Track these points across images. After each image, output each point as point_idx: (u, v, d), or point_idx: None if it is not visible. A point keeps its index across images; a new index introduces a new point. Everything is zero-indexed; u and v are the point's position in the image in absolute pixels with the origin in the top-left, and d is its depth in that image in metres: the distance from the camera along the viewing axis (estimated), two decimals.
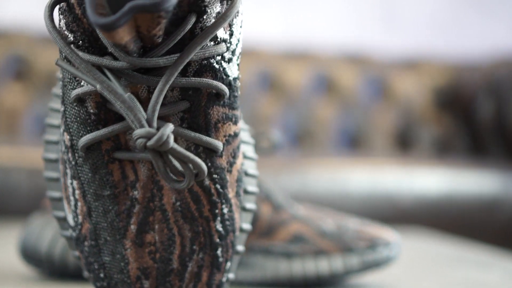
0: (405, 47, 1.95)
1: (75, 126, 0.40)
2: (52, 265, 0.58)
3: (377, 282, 0.62)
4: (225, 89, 0.39)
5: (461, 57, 1.87)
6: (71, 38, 0.39)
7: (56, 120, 0.45)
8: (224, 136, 0.41)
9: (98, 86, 0.37)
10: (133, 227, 0.40)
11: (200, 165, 0.37)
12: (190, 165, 0.37)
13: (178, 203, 0.40)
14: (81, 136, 0.40)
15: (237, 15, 0.40)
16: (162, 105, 0.39)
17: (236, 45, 0.40)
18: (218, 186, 0.41)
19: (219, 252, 0.41)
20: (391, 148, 1.71)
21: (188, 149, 0.40)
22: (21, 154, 1.17)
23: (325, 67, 1.74)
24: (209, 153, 0.40)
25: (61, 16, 0.39)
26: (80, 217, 0.41)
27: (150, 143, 0.35)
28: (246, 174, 0.43)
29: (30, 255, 0.59)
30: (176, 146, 0.36)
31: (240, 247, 0.43)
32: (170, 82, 0.37)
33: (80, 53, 0.38)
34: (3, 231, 0.93)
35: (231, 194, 0.41)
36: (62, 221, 0.43)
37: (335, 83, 1.73)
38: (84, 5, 0.38)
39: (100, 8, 0.34)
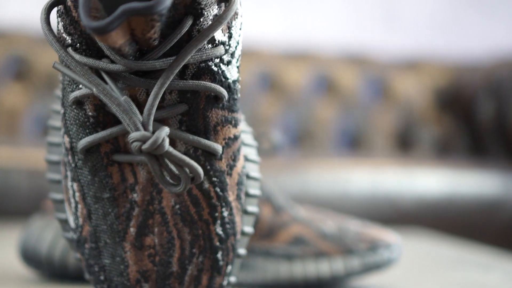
0: (405, 47, 1.94)
1: (74, 128, 0.40)
2: (52, 267, 0.58)
3: (377, 284, 0.62)
4: (224, 92, 0.39)
5: (462, 58, 1.87)
6: (69, 40, 0.38)
7: (59, 122, 0.45)
8: (224, 139, 0.40)
9: (94, 89, 0.37)
10: (132, 229, 0.40)
11: (196, 169, 0.36)
12: (187, 169, 0.37)
13: (177, 206, 0.40)
14: (80, 139, 0.40)
15: (236, 17, 0.40)
16: (161, 108, 0.39)
17: (236, 47, 0.40)
18: (217, 189, 0.40)
19: (219, 255, 0.41)
20: (392, 149, 1.71)
21: (187, 152, 0.40)
22: (21, 155, 1.17)
23: (325, 68, 1.74)
24: (208, 156, 0.40)
25: (59, 19, 0.39)
26: (80, 220, 0.41)
27: (145, 146, 0.35)
28: (248, 176, 0.43)
29: (30, 256, 0.58)
30: (171, 149, 0.36)
31: (242, 250, 0.43)
32: (166, 85, 0.36)
33: (77, 56, 0.38)
34: (3, 232, 0.93)
35: (231, 197, 0.41)
36: (64, 223, 0.43)
37: (335, 84, 1.73)
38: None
39: (94, 11, 0.34)
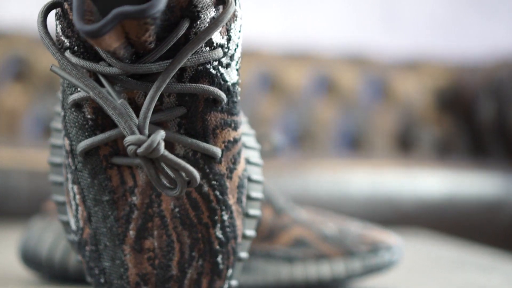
0: (405, 48, 1.94)
1: (73, 131, 0.40)
2: (52, 269, 0.57)
3: (378, 285, 0.62)
4: (222, 95, 0.39)
5: (462, 58, 1.86)
6: (67, 43, 0.38)
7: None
8: (223, 142, 0.40)
9: (90, 93, 0.37)
10: (132, 232, 0.40)
11: (192, 173, 0.36)
12: (183, 173, 0.37)
13: (176, 210, 0.40)
14: (80, 141, 0.40)
15: (235, 20, 0.40)
16: (159, 110, 0.38)
17: (235, 50, 0.40)
18: (217, 193, 0.40)
19: (219, 259, 0.41)
20: (392, 149, 1.71)
21: (186, 155, 0.39)
22: (21, 156, 1.17)
23: (325, 68, 1.74)
24: (208, 159, 0.40)
25: (57, 22, 0.39)
26: (81, 222, 0.41)
27: (140, 150, 0.35)
28: (250, 179, 0.43)
29: (30, 258, 0.58)
30: (167, 153, 0.36)
31: (243, 254, 0.42)
32: (162, 89, 0.36)
33: (75, 59, 0.38)
34: (3, 233, 0.93)
35: (231, 200, 0.41)
36: (66, 225, 0.43)
37: (335, 84, 1.73)
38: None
39: (89, 15, 0.34)
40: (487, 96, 1.65)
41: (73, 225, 0.42)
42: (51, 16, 1.83)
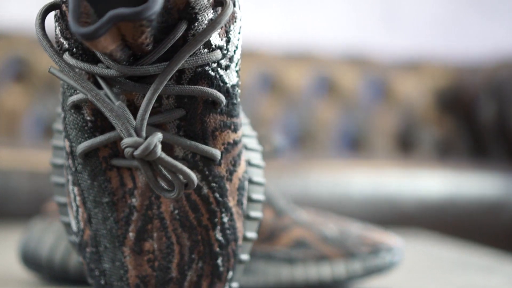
0: (406, 48, 1.94)
1: (73, 132, 0.40)
2: (52, 270, 0.57)
3: (379, 287, 0.62)
4: (221, 97, 0.39)
5: (463, 59, 1.86)
6: (66, 45, 0.38)
7: None
8: (223, 144, 0.40)
9: (88, 95, 0.37)
10: (131, 234, 0.40)
11: (189, 175, 0.36)
12: (180, 175, 0.37)
13: (176, 212, 0.40)
14: (80, 143, 0.40)
15: (235, 22, 0.39)
16: (158, 112, 0.38)
17: (234, 51, 0.40)
18: (217, 195, 0.40)
19: (219, 261, 0.41)
20: (393, 150, 1.71)
21: (185, 157, 0.39)
22: (21, 157, 1.16)
23: (326, 69, 1.74)
24: (207, 161, 0.40)
25: (56, 24, 0.39)
26: (81, 224, 0.41)
27: (136, 152, 0.35)
28: (251, 182, 0.43)
29: (30, 260, 0.58)
30: (164, 155, 0.35)
31: (244, 256, 0.42)
32: (159, 91, 0.36)
33: (73, 61, 0.38)
34: (3, 234, 0.93)
35: (231, 202, 0.41)
36: (68, 226, 0.43)
37: (336, 85, 1.73)
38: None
39: (85, 17, 0.34)
40: (488, 96, 1.65)
41: (74, 227, 0.42)
42: (51, 17, 1.83)
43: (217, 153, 0.40)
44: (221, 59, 0.39)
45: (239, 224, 0.42)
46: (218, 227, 0.40)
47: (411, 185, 1.31)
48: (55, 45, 0.40)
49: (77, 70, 0.38)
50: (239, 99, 0.41)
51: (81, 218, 0.41)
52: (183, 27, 0.37)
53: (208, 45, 0.38)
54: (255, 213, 0.43)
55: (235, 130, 0.41)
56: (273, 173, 1.25)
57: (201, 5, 0.37)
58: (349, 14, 1.91)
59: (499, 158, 1.61)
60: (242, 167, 0.42)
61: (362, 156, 1.45)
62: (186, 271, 0.40)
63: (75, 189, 0.41)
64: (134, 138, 0.35)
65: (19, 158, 1.16)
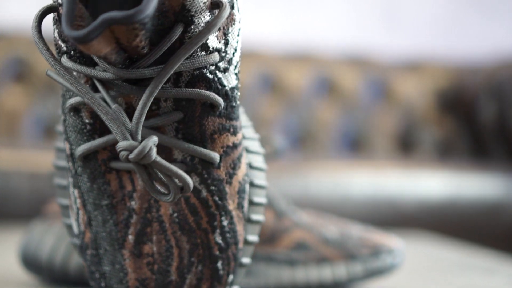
0: (406, 49, 1.94)
1: (73, 135, 0.40)
2: (52, 272, 0.57)
3: None
4: (219, 100, 0.38)
5: (463, 59, 1.86)
6: (64, 48, 0.38)
7: None
8: (222, 147, 0.40)
9: (83, 98, 0.37)
10: (131, 237, 0.40)
11: (184, 179, 0.36)
12: (176, 179, 0.36)
13: (175, 215, 0.40)
14: (79, 145, 0.40)
15: (233, 24, 0.39)
16: (156, 115, 0.38)
17: (233, 54, 0.39)
18: (216, 198, 0.40)
19: (219, 264, 0.40)
20: (393, 151, 1.71)
21: (184, 160, 0.39)
22: (21, 157, 1.16)
23: (326, 69, 1.74)
24: (206, 164, 0.40)
25: (55, 26, 0.39)
26: (82, 226, 0.41)
27: (131, 156, 0.35)
28: (252, 184, 0.43)
29: (30, 261, 0.58)
30: (159, 159, 0.35)
31: (245, 259, 0.42)
32: (155, 94, 0.36)
33: (71, 63, 0.38)
34: (3, 235, 0.93)
35: (231, 206, 0.41)
36: (70, 228, 0.43)
37: (336, 85, 1.73)
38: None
39: (79, 20, 0.34)
40: (488, 97, 1.65)
41: (75, 229, 0.42)
42: (50, 20, 1.83)
43: (215, 156, 0.39)
44: (219, 61, 0.39)
45: (239, 228, 0.41)
46: (218, 230, 0.40)
47: (412, 186, 1.31)
48: (54, 48, 0.40)
49: (75, 73, 0.38)
50: (238, 102, 0.41)
51: (82, 220, 0.41)
52: (179, 30, 0.36)
53: (205, 47, 0.38)
54: (257, 216, 0.42)
55: (234, 133, 0.41)
56: (273, 174, 1.25)
57: (197, 7, 0.37)
58: (349, 14, 1.91)
59: (499, 158, 1.61)
60: (242, 170, 0.42)
61: (363, 157, 1.45)
62: (185, 274, 0.40)
63: (76, 191, 0.41)
64: (129, 142, 0.35)
65: (19, 159, 1.16)
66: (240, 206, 0.41)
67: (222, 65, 0.39)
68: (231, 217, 0.41)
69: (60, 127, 0.45)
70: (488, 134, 1.64)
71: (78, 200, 0.41)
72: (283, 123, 1.66)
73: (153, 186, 0.36)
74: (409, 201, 1.30)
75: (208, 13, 0.37)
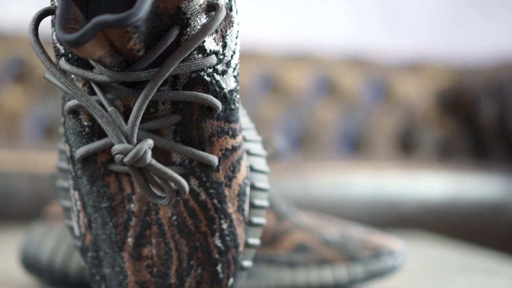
0: (407, 49, 1.94)
1: (72, 137, 0.40)
2: (53, 274, 0.57)
3: None
4: (216, 103, 0.38)
5: (464, 60, 1.86)
6: (62, 50, 0.38)
7: None
8: (221, 150, 0.40)
9: (79, 101, 0.36)
10: (130, 240, 0.40)
11: (179, 182, 0.36)
12: (171, 182, 0.36)
13: (174, 218, 0.39)
14: (78, 148, 0.40)
15: (231, 26, 0.39)
16: (155, 118, 0.38)
17: (231, 56, 0.39)
18: (215, 201, 0.40)
19: (219, 268, 0.40)
20: (393, 151, 1.70)
21: (182, 163, 0.39)
22: (21, 158, 1.16)
23: (327, 70, 1.73)
24: (204, 167, 0.39)
25: (53, 29, 0.39)
26: (82, 228, 0.41)
27: (126, 159, 0.35)
28: (253, 187, 0.42)
29: (31, 264, 0.58)
30: (154, 162, 0.35)
31: (246, 263, 0.42)
32: (150, 97, 0.36)
33: (69, 66, 0.37)
34: (3, 237, 0.93)
35: (231, 209, 0.41)
36: (72, 230, 0.43)
37: (337, 86, 1.73)
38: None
39: (73, 23, 0.33)
40: (489, 97, 1.65)
41: (77, 231, 0.42)
42: (49, 22, 1.83)
43: (214, 159, 0.39)
44: (217, 64, 0.38)
45: (239, 231, 0.41)
46: (217, 234, 0.40)
47: (412, 186, 1.31)
48: (52, 50, 0.40)
49: (73, 75, 0.38)
50: (237, 105, 0.41)
51: (82, 222, 0.41)
52: (175, 33, 0.36)
53: (202, 50, 0.38)
54: (258, 219, 0.42)
55: (233, 136, 0.40)
56: (273, 175, 1.24)
57: (193, 10, 0.36)
58: (350, 14, 1.91)
59: (500, 159, 1.61)
60: (242, 173, 0.41)
61: (363, 157, 1.45)
62: (184, 277, 0.40)
63: (76, 193, 0.41)
64: (124, 145, 0.35)
65: (19, 160, 1.16)
66: (240, 209, 0.41)
67: (220, 67, 0.39)
68: (231, 220, 0.41)
69: (63, 129, 0.45)
70: (488, 134, 1.64)
71: (79, 202, 0.41)
72: (283, 123, 1.66)
73: (149, 189, 0.36)
74: (409, 202, 1.30)
75: (205, 16, 0.37)
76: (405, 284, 0.65)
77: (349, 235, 0.59)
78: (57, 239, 0.58)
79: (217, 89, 0.39)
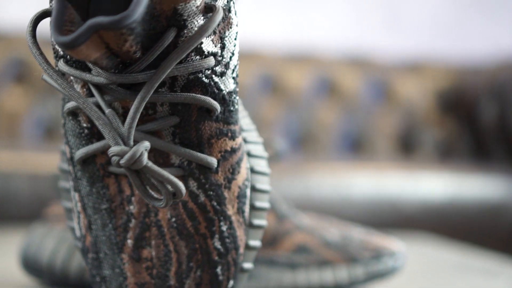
0: (407, 49, 1.94)
1: (72, 139, 0.40)
2: (53, 275, 0.57)
3: None
4: (215, 104, 0.38)
5: (464, 60, 1.86)
6: (61, 52, 0.38)
7: None
8: (219, 152, 0.40)
9: (76, 102, 0.36)
10: (130, 241, 0.40)
11: (176, 185, 0.36)
12: (168, 185, 0.36)
13: (173, 219, 0.39)
14: (78, 149, 0.40)
15: (230, 28, 0.39)
16: (153, 119, 0.38)
17: (230, 58, 0.39)
18: (214, 203, 0.40)
19: (218, 270, 0.40)
20: (394, 152, 1.70)
21: (181, 165, 0.39)
22: (21, 159, 1.16)
23: (327, 70, 1.73)
24: (203, 169, 0.39)
25: (51, 31, 0.39)
26: (83, 230, 0.41)
27: (122, 161, 0.35)
28: (254, 189, 0.42)
29: (31, 265, 0.58)
30: (150, 164, 0.35)
31: (247, 265, 0.42)
32: (147, 99, 0.36)
33: (67, 68, 0.37)
34: (3, 237, 0.92)
35: (230, 211, 0.40)
36: (73, 231, 0.43)
37: (337, 86, 1.73)
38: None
39: (69, 25, 0.33)
40: (489, 98, 1.64)
41: (78, 232, 0.42)
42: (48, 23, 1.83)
43: (212, 161, 0.39)
44: (215, 66, 0.38)
45: (239, 233, 0.41)
46: (217, 236, 0.40)
47: (412, 187, 1.31)
48: (51, 52, 0.40)
49: (72, 77, 0.38)
50: (237, 106, 0.41)
51: (83, 224, 0.41)
52: (172, 34, 0.36)
53: (200, 51, 0.37)
54: (259, 221, 0.42)
55: (232, 138, 0.40)
56: (274, 176, 1.24)
57: (190, 11, 0.36)
58: (350, 15, 1.91)
59: (501, 159, 1.61)
60: (242, 175, 0.41)
61: (364, 158, 1.45)
62: (184, 279, 0.40)
63: (76, 195, 0.41)
64: (120, 147, 0.35)
65: (19, 161, 1.16)
66: (240, 211, 0.41)
67: (218, 69, 0.38)
68: (231, 222, 0.40)
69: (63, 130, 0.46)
70: (489, 135, 1.64)
71: (79, 204, 0.41)
72: (284, 124, 1.66)
73: (146, 191, 0.36)
74: (410, 202, 1.30)
75: (202, 17, 0.37)
76: (405, 285, 0.65)
77: (349, 236, 0.59)
78: (57, 240, 0.58)
79: (216, 90, 0.39)
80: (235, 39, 0.39)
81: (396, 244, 0.60)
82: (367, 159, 1.43)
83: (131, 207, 0.39)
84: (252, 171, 0.42)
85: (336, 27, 1.90)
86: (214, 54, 0.38)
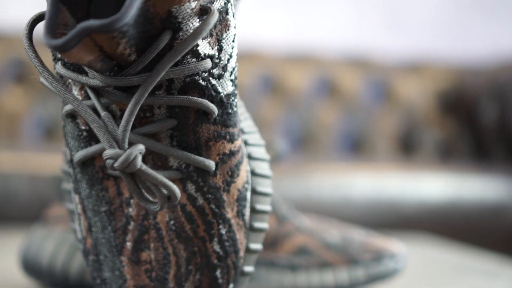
0: (408, 50, 1.94)
1: (71, 141, 0.40)
2: (53, 277, 0.57)
3: None
4: (211, 107, 0.38)
5: (465, 60, 1.86)
6: (59, 54, 0.38)
7: None
8: (218, 154, 0.39)
9: (71, 105, 0.36)
10: (129, 244, 0.40)
11: (171, 188, 0.36)
12: (163, 188, 0.36)
13: (172, 222, 0.39)
14: (77, 152, 0.40)
15: (228, 30, 0.39)
16: (151, 122, 0.38)
17: (228, 60, 0.39)
18: (213, 206, 0.39)
19: (218, 273, 0.40)
20: (394, 152, 1.70)
21: (179, 167, 0.39)
22: (21, 160, 1.16)
23: (327, 70, 1.73)
24: (201, 172, 0.39)
25: None
26: (84, 232, 0.41)
27: (116, 164, 0.35)
28: (255, 192, 0.42)
29: (31, 266, 0.58)
30: (144, 167, 0.35)
31: (248, 268, 0.42)
32: (142, 101, 0.36)
33: (64, 70, 0.37)
34: (3, 238, 0.92)
35: (230, 214, 0.40)
36: (75, 233, 0.43)
37: (337, 87, 1.73)
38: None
39: (62, 28, 0.33)
40: (490, 98, 1.64)
41: (79, 234, 0.42)
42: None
43: (210, 163, 0.39)
44: (212, 68, 0.38)
45: (239, 236, 0.41)
46: (216, 239, 0.40)
47: (413, 188, 1.31)
48: (49, 55, 0.40)
49: (69, 80, 0.38)
50: (235, 109, 0.40)
51: (83, 226, 0.41)
52: (167, 37, 0.36)
53: (196, 54, 0.37)
54: (260, 224, 0.42)
55: (231, 140, 0.40)
56: (274, 177, 1.24)
57: (184, 14, 0.36)
58: (351, 15, 1.91)
59: (501, 160, 1.61)
60: (242, 178, 0.41)
61: (364, 159, 1.45)
62: (183, 282, 0.40)
63: (76, 197, 0.41)
64: (115, 150, 0.35)
65: (19, 161, 1.16)
66: (240, 214, 0.41)
67: (216, 71, 0.38)
68: (230, 225, 0.40)
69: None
70: (489, 135, 1.64)
71: (79, 206, 0.41)
72: (284, 124, 1.66)
73: (141, 195, 0.36)
74: (410, 203, 1.30)
75: (198, 19, 0.37)
76: (406, 286, 0.65)
77: (350, 238, 0.59)
78: (57, 242, 0.58)
79: (213, 93, 0.38)
80: (233, 41, 0.39)
81: (396, 246, 0.60)
82: (367, 159, 1.43)
83: (130, 209, 0.39)
84: (253, 173, 0.42)
85: (337, 27, 1.90)
86: (211, 57, 0.38)
